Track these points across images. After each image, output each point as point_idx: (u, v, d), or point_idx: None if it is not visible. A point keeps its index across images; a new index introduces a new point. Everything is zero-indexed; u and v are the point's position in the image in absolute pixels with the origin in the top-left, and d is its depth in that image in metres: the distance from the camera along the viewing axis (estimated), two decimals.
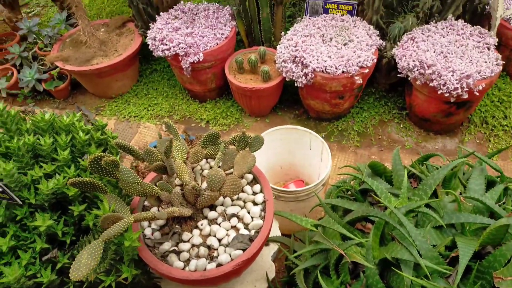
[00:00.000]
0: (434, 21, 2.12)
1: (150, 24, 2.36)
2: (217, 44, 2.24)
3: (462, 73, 1.82)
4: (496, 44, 1.97)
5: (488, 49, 1.96)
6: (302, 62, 2.00)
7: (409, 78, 2.00)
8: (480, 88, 1.82)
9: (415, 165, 1.17)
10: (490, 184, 1.08)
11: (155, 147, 1.16)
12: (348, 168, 1.94)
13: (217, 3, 2.68)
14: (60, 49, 2.54)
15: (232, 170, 1.11)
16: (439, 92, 1.86)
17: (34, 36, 2.67)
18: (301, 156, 1.82)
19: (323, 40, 2.12)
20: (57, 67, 2.57)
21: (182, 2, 2.49)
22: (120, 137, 2.30)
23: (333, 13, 2.26)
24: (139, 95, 2.58)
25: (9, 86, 2.54)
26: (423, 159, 1.19)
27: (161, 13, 2.39)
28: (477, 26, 2.07)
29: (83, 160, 1.14)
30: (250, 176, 1.18)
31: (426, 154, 1.17)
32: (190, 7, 2.45)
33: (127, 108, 2.49)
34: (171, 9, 2.45)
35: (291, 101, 2.42)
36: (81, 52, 2.46)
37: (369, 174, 1.18)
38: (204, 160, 1.24)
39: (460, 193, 1.05)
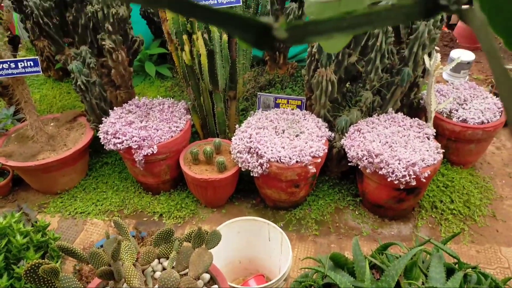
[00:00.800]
0: (376, 114, 2.29)
1: (103, 119, 2.35)
2: (172, 136, 2.25)
3: (408, 161, 1.93)
4: (434, 134, 2.15)
5: (428, 138, 2.12)
6: (257, 152, 2.04)
7: (359, 167, 2.08)
8: (426, 175, 1.92)
9: (375, 255, 1.15)
10: (449, 271, 1.08)
11: (101, 246, 1.06)
12: (309, 260, 1.88)
13: (172, 98, 2.76)
14: (4, 144, 2.42)
15: (187, 270, 1.03)
16: (388, 180, 1.94)
17: None
18: (260, 249, 1.75)
19: (276, 132, 2.20)
20: None
21: (136, 97, 2.54)
22: (64, 236, 2.12)
23: (283, 108, 2.39)
24: (87, 189, 2.46)
25: None
26: (382, 248, 1.17)
27: (114, 108, 2.41)
28: (415, 118, 2.27)
29: (18, 267, 1.02)
30: (207, 276, 1.10)
31: (385, 243, 1.17)
32: (144, 102, 2.49)
33: (73, 204, 2.35)
34: (125, 104, 2.47)
35: (247, 190, 2.41)
36: (27, 147, 2.36)
37: (331, 267, 1.14)
38: (156, 261, 1.14)
39: (422, 283, 1.03)
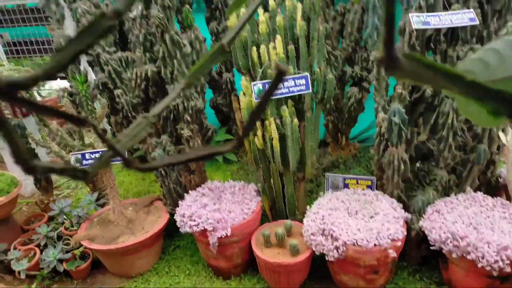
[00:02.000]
0: (453, 193, 2.20)
1: (179, 202, 2.46)
2: (244, 218, 2.28)
3: (498, 244, 1.78)
4: None
5: None
6: (332, 235, 2.00)
7: (443, 251, 1.95)
8: None
9: None
10: None
11: None
12: None
13: (240, 181, 2.85)
14: (88, 228, 2.58)
15: None
16: (479, 265, 1.79)
17: (64, 216, 2.76)
18: None
19: (349, 213, 2.16)
20: (80, 246, 2.57)
21: (209, 181, 2.66)
22: None
23: (353, 188, 2.37)
24: (160, 273, 2.50)
25: (30, 267, 2.48)
26: None
27: (189, 191, 2.53)
28: (497, 197, 2.14)
29: None
30: None
31: None
32: (216, 185, 2.60)
33: None
34: (198, 187, 2.59)
35: (320, 277, 2.31)
36: (108, 230, 2.50)
37: None
38: None
39: None
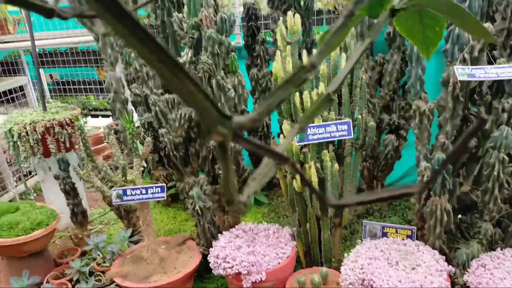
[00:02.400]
0: (499, 248, 2.12)
1: (212, 242, 2.45)
2: (279, 263, 2.24)
3: None
4: None
5: None
6: (372, 285, 1.93)
7: None
8: None
9: None
10: None
11: None
12: None
13: (274, 224, 2.83)
14: (121, 265, 2.59)
15: None
16: None
17: (99, 252, 2.78)
18: None
19: (389, 263, 2.10)
20: (112, 282, 2.56)
21: (243, 222, 2.65)
22: None
23: (392, 237, 2.31)
24: None
25: None
26: None
27: (223, 232, 2.52)
28: None
29: None
30: None
31: None
32: (250, 227, 2.59)
33: None
34: (232, 228, 2.59)
35: None
36: (141, 268, 2.49)
37: None
38: None
39: None
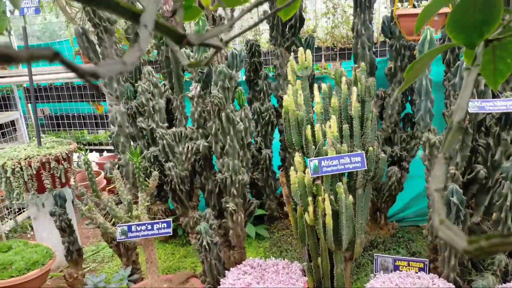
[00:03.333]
0: None
1: (220, 280, 2.36)
2: None
3: None
4: None
5: None
6: None
7: None
8: None
9: None
10: None
11: None
12: None
13: (285, 258, 2.77)
14: None
15: None
16: None
17: None
18: None
19: None
20: None
21: (251, 258, 2.58)
22: None
23: (405, 270, 2.28)
24: None
25: None
26: None
27: (231, 269, 2.44)
28: None
29: None
30: None
31: None
32: (258, 262, 2.52)
33: None
34: (239, 264, 2.51)
35: None
36: None
37: None
38: None
39: None
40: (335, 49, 3.22)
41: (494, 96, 2.04)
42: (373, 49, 2.73)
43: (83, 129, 4.09)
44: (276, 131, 3.21)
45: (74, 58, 3.67)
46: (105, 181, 4.40)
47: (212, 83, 2.27)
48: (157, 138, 2.35)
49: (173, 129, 2.39)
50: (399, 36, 2.56)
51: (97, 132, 4.14)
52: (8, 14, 3.24)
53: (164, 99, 2.52)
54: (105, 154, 4.53)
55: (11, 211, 3.86)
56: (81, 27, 2.28)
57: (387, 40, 3.17)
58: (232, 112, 2.28)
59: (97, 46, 2.34)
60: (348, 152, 2.05)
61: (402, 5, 2.26)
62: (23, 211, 3.97)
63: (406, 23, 2.24)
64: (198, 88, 2.33)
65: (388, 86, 2.76)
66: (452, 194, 1.93)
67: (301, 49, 2.13)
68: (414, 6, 2.31)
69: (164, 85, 2.49)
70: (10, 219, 3.77)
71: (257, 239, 3.52)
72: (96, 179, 4.33)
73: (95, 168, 5.11)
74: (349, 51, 3.30)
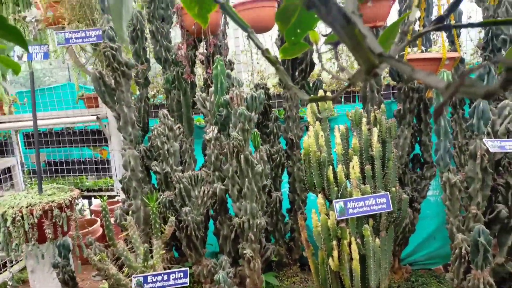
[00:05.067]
0: None
1: None
2: None
3: None
4: None
5: None
6: None
7: None
8: None
9: None
10: None
11: None
12: None
13: None
14: None
15: None
16: None
17: None
18: None
19: None
20: None
21: None
22: None
23: None
24: None
25: None
26: None
27: None
28: None
29: None
30: None
31: None
32: None
33: None
34: None
35: None
36: None
37: None
38: None
39: None
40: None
41: (509, 136, 2.10)
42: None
43: (82, 175, 3.98)
44: (285, 173, 3.19)
45: (77, 102, 3.64)
46: (101, 230, 4.22)
47: (231, 125, 2.27)
48: (174, 181, 2.29)
49: (190, 172, 2.35)
50: (407, 79, 2.65)
51: (98, 178, 4.03)
52: (15, 59, 3.24)
53: (178, 142, 2.49)
54: (93, 201, 4.36)
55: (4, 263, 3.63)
56: (98, 72, 2.28)
57: (390, 82, 3.28)
58: (250, 154, 2.27)
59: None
60: (371, 193, 2.04)
61: (411, 50, 2.36)
62: (15, 263, 3.74)
63: (417, 67, 2.32)
64: (216, 130, 2.32)
65: (398, 127, 2.82)
66: (478, 235, 1.92)
67: (321, 91, 2.17)
68: (422, 51, 2.41)
69: (179, 128, 2.48)
70: (4, 271, 3.54)
71: (266, 287, 3.38)
72: (92, 228, 4.18)
73: (89, 216, 4.93)
74: (353, 94, 3.38)
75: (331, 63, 3.33)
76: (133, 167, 2.42)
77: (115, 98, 2.37)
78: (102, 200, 2.03)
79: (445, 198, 2.14)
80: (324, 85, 3.36)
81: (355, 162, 2.04)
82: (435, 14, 2.85)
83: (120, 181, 2.55)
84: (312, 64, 2.82)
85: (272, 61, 0.57)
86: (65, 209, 2.96)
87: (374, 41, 0.39)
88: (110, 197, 3.83)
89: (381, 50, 0.37)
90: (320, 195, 2.11)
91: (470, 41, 3.43)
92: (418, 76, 0.31)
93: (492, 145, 1.89)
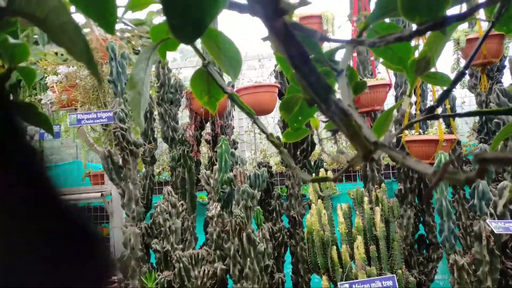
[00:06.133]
0: None
1: None
2: None
3: None
4: None
5: None
6: None
7: None
8: None
9: None
10: None
11: None
12: None
13: None
14: None
15: None
16: None
17: None
18: None
19: None
20: None
21: None
22: None
23: None
24: None
25: None
26: None
27: None
28: None
29: None
30: None
31: None
32: None
33: None
34: None
35: None
36: None
37: None
38: None
39: None
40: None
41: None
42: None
43: None
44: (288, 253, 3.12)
45: (83, 180, 3.69)
46: None
47: (234, 202, 2.28)
48: (174, 260, 2.24)
49: (190, 250, 2.31)
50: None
51: None
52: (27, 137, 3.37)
53: (180, 219, 2.48)
54: None
55: None
56: (107, 150, 2.36)
57: (390, 162, 3.35)
58: (253, 232, 2.25)
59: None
60: (377, 276, 1.98)
61: (409, 132, 2.46)
62: None
63: (415, 148, 2.40)
64: (218, 207, 2.33)
65: (400, 207, 2.82)
66: None
67: (322, 169, 2.22)
68: (419, 133, 2.51)
69: (182, 204, 2.49)
70: None
71: None
72: None
73: None
74: (354, 173, 3.44)
75: (331, 144, 3.44)
76: (133, 245, 2.38)
77: (122, 175, 2.42)
78: None
79: (454, 281, 2.07)
80: (325, 164, 3.43)
81: (359, 242, 2.01)
82: (430, 98, 3.02)
83: (118, 260, 2.49)
84: (313, 144, 2.91)
85: (276, 144, 0.62)
86: None
87: (368, 131, 0.43)
88: None
89: (375, 139, 0.42)
90: (324, 277, 2.05)
91: (465, 124, 3.58)
92: (408, 163, 0.36)
93: (496, 226, 1.88)
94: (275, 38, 0.29)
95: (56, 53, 3.34)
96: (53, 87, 3.22)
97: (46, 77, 3.29)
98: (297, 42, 0.29)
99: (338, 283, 1.93)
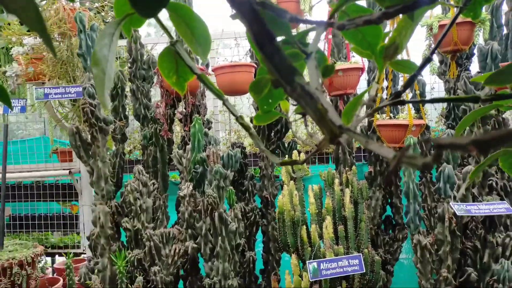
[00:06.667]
0: None
1: None
2: None
3: None
4: None
5: None
6: None
7: None
8: None
9: None
10: None
11: None
12: None
13: None
14: None
15: None
16: None
17: None
18: None
19: None
20: None
21: None
22: None
23: None
24: None
25: None
26: None
27: None
28: None
29: None
30: None
31: None
32: None
33: None
34: None
35: None
36: None
37: None
38: None
39: None
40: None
41: (474, 200, 2.19)
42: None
43: (48, 231, 3.80)
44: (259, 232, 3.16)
45: (50, 156, 3.58)
46: None
47: (206, 182, 2.28)
48: (144, 239, 2.23)
49: (161, 229, 2.30)
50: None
51: (64, 234, 3.86)
52: None
53: (151, 199, 2.46)
54: (57, 258, 4.10)
55: None
56: (75, 126, 2.29)
57: (361, 145, 3.41)
58: (224, 212, 2.26)
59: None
60: (344, 254, 2.04)
61: (380, 116, 2.50)
62: None
63: (386, 132, 2.45)
64: (191, 187, 2.32)
65: (369, 189, 2.89)
66: None
67: (295, 151, 2.24)
68: (390, 117, 2.56)
69: (154, 183, 2.46)
70: None
71: None
72: (53, 287, 3.92)
73: (50, 274, 4.64)
74: (327, 155, 3.49)
75: (304, 126, 3.46)
76: (102, 223, 2.35)
77: (90, 153, 2.36)
78: (67, 257, 1.95)
79: (417, 260, 2.17)
80: (298, 146, 3.46)
81: (328, 222, 2.06)
82: (401, 83, 3.07)
83: (88, 238, 2.46)
84: (287, 126, 2.92)
85: (246, 126, 0.61)
86: (26, 266, 2.80)
87: (335, 114, 0.43)
88: (76, 254, 3.65)
89: (341, 123, 0.42)
90: (293, 256, 2.10)
91: (434, 109, 3.67)
92: (371, 147, 0.36)
93: (459, 208, 1.97)
94: (238, 14, 0.28)
95: (21, 23, 3.17)
96: (18, 58, 3.07)
97: (11, 48, 3.13)
98: (261, 20, 0.28)
99: (307, 261, 1.98)
